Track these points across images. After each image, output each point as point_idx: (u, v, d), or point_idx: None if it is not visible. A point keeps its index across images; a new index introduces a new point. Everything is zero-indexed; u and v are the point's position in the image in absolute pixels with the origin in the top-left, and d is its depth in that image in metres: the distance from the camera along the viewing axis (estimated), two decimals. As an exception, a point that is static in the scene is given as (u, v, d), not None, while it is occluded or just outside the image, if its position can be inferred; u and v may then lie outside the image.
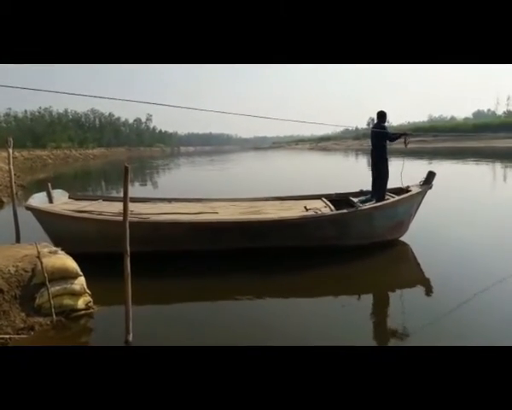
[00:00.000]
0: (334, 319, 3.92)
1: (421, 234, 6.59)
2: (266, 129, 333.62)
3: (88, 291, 3.93)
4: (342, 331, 3.63)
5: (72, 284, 3.82)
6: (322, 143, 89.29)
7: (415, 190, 6.37)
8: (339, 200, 6.81)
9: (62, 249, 4.72)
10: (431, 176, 6.42)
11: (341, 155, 44.56)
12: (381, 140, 6.26)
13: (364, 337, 3.53)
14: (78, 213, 5.63)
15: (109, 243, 4.49)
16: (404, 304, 4.33)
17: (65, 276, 3.82)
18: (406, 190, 6.46)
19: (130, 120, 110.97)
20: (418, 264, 5.52)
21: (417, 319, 3.82)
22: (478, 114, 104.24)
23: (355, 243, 5.77)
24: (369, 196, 6.56)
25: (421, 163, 22.48)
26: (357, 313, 4.07)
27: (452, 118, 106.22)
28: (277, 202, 7.03)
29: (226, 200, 7.19)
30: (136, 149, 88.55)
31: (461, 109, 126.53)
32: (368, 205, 6.01)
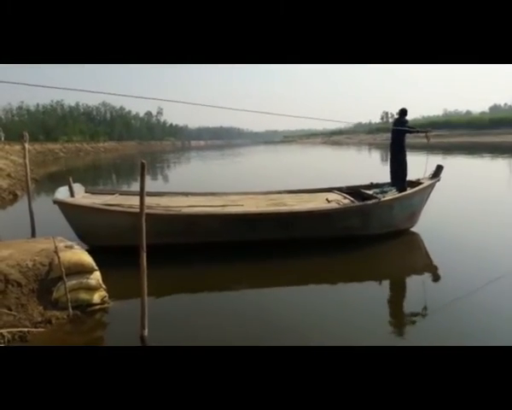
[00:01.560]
0: (353, 304, 4.12)
1: (431, 225, 6.83)
2: (277, 123, 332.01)
3: (103, 286, 3.95)
4: (356, 313, 3.88)
5: (88, 278, 3.85)
6: (334, 137, 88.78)
7: (426, 182, 6.69)
8: (350, 192, 7.07)
9: (91, 243, 5.07)
10: (439, 169, 6.89)
11: (355, 149, 44.16)
12: (400, 134, 6.76)
13: (376, 320, 3.74)
14: (113, 207, 5.64)
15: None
16: (418, 288, 4.61)
17: (81, 270, 3.84)
18: (417, 182, 6.82)
19: (141, 114, 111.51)
20: (427, 252, 5.85)
21: (429, 302, 4.10)
22: (494, 108, 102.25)
23: (376, 232, 6.11)
24: (383, 188, 7.06)
25: (436, 158, 22.17)
26: (375, 297, 4.31)
27: (468, 112, 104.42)
28: (293, 195, 7.20)
29: (240, 193, 7.32)
30: (147, 142, 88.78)
31: (477, 104, 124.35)
32: (388, 196, 6.38)
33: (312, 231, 5.78)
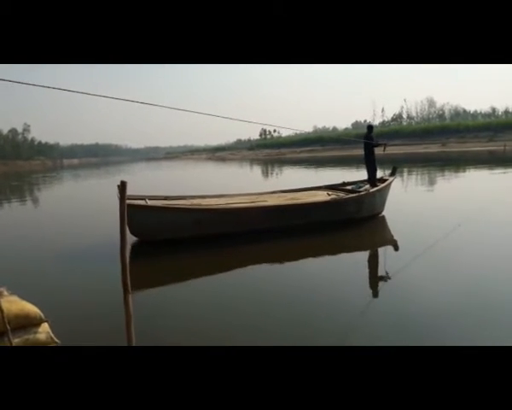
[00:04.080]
0: (342, 268, 5.50)
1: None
2: (158, 139, 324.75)
3: (56, 340, 3.16)
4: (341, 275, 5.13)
5: (35, 333, 3.03)
6: (218, 154, 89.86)
7: (390, 179, 8.78)
8: (332, 188, 9.09)
9: (153, 238, 6.51)
10: (395, 169, 9.29)
11: (243, 165, 45.17)
12: (369, 146, 8.64)
13: (360, 278, 5.01)
14: (178, 205, 6.95)
15: (202, 228, 6.46)
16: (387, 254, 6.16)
17: (25, 324, 3.00)
18: (382, 179, 8.82)
19: (5, 131, 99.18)
20: (392, 229, 7.69)
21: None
22: (356, 124, 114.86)
23: (365, 215, 7.89)
24: (358, 184, 9.08)
25: (310, 171, 23.87)
26: (359, 262, 5.74)
27: (334, 128, 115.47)
28: (293, 193, 8.79)
29: (249, 194, 8.64)
30: (13, 162, 79.02)
31: (341, 121, 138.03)
32: (374, 189, 8.26)
33: (327, 215, 7.36)
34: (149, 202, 7.04)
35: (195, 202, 7.55)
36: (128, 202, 6.15)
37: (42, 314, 3.13)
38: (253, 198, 8.15)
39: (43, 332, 3.09)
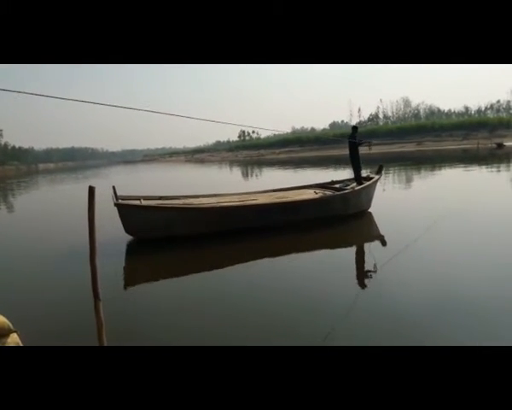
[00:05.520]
0: (331, 262, 5.54)
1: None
2: (135, 141, 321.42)
3: (25, 350, 3.03)
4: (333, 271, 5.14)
5: (4, 344, 2.89)
6: (198, 155, 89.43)
7: (375, 177, 9.13)
8: (320, 187, 9.35)
9: (145, 236, 6.80)
10: (381, 168, 9.54)
11: (224, 167, 44.98)
12: (354, 145, 9.00)
13: (348, 273, 5.11)
14: (169, 204, 7.25)
15: (195, 226, 6.75)
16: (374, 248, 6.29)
17: (-8, 335, 2.88)
18: (368, 177, 9.21)
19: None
20: (377, 224, 8.04)
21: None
22: (333, 125, 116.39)
23: (351, 212, 8.20)
24: (345, 183, 9.43)
25: (288, 171, 23.92)
26: (344, 257, 5.92)
27: (312, 129, 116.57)
28: (283, 192, 9.05)
29: (242, 193, 8.96)
30: (-15, 168, 77.01)
31: (319, 121, 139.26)
32: (359, 186, 8.57)
33: (314, 213, 7.63)
34: (144, 202, 7.32)
35: (188, 201, 7.86)
36: (123, 202, 7.02)
37: (10, 324, 2.99)
38: (244, 197, 8.43)
39: (12, 343, 2.95)
